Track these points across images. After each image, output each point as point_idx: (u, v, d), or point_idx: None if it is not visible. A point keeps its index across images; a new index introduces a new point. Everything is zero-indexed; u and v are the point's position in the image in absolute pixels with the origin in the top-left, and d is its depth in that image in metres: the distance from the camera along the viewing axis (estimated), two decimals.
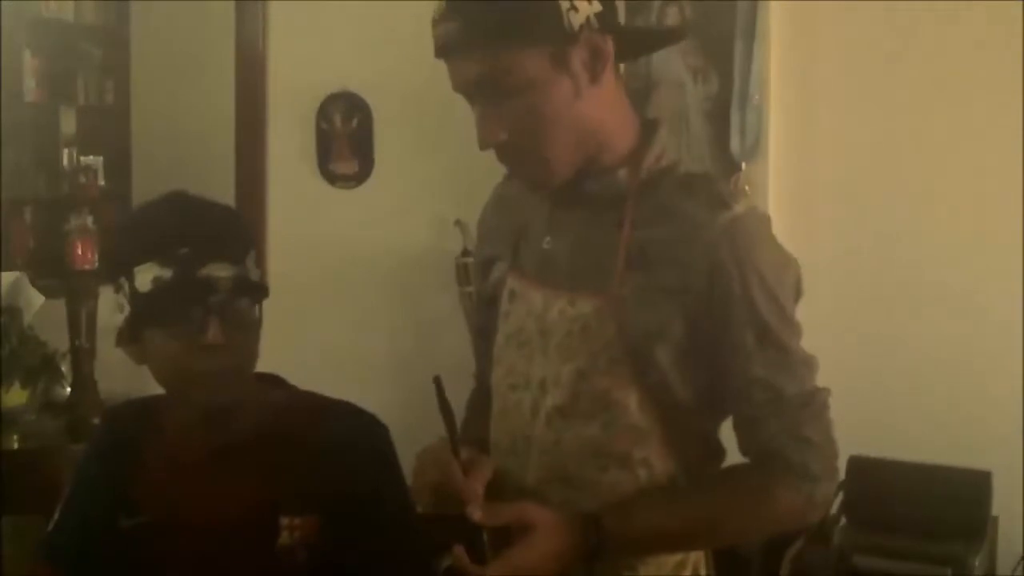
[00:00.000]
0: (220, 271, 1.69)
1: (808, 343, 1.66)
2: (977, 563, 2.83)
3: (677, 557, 1.71)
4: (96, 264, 3.67)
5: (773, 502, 1.64)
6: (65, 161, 5.08)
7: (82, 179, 4.19)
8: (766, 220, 1.66)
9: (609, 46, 1.61)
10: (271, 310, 1.77)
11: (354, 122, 4.00)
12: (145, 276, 1.68)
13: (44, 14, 5.15)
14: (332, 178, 4.04)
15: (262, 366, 1.81)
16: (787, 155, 3.42)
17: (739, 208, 1.61)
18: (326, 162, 4.04)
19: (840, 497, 2.88)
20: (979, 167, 3.23)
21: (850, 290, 3.30)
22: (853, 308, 3.30)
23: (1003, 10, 3.16)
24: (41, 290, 3.79)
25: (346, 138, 4.01)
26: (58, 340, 3.68)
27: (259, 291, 1.75)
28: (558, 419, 1.67)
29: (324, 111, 4.01)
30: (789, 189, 3.40)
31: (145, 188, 4.52)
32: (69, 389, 3.70)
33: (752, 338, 1.60)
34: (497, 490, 1.64)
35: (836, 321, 3.04)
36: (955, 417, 3.20)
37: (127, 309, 1.72)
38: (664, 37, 2.37)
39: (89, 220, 3.78)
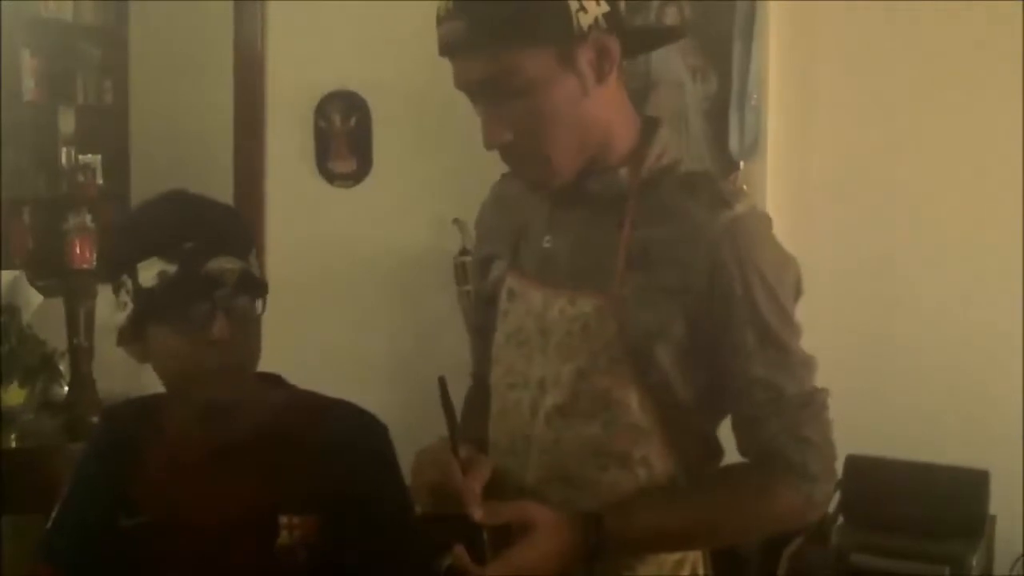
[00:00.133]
0: (226, 264, 1.69)
1: (805, 342, 1.66)
2: (975, 562, 2.84)
3: (676, 556, 1.71)
4: (94, 263, 3.67)
5: (773, 502, 1.65)
6: (64, 160, 5.07)
7: (80, 178, 4.18)
8: (767, 220, 1.66)
9: (617, 47, 1.60)
10: (269, 309, 1.77)
11: (352, 121, 4.00)
12: (149, 272, 1.68)
13: (43, 14, 5.15)
14: (331, 177, 4.04)
15: (260, 365, 1.81)
16: (785, 155, 3.42)
17: (740, 207, 1.61)
18: (324, 161, 4.04)
19: (838, 496, 2.88)
20: (978, 166, 3.24)
21: (847, 289, 3.30)
22: (850, 307, 3.31)
23: (1003, 10, 3.16)
24: (39, 289, 3.78)
25: (344, 137, 4.01)
26: (56, 339, 3.68)
27: (261, 287, 1.75)
28: (558, 418, 1.67)
29: (322, 110, 4.01)
30: (787, 188, 3.40)
31: (144, 187, 4.52)
32: (67, 388, 3.70)
33: (753, 338, 1.60)
34: (497, 490, 1.63)
35: (833, 320, 3.04)
36: (953, 416, 3.20)
37: (129, 307, 1.71)
38: (664, 36, 2.36)
39: (88, 219, 3.77)
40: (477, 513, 1.56)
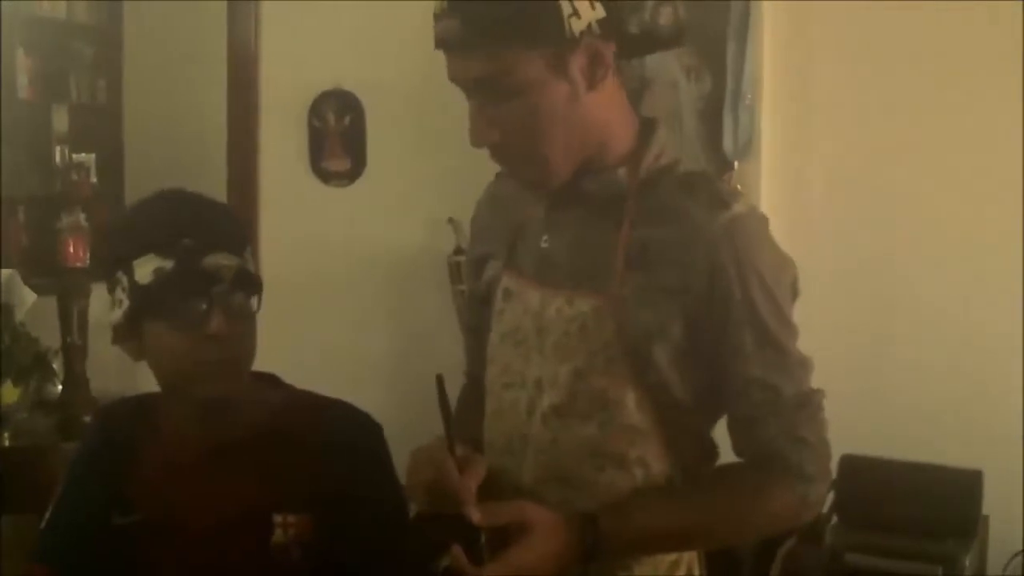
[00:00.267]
0: (222, 260, 1.69)
1: (800, 341, 1.67)
2: (968, 562, 2.84)
3: (671, 557, 1.71)
4: (88, 262, 3.67)
5: (769, 502, 1.65)
6: (57, 159, 5.06)
7: (74, 177, 4.17)
8: (765, 221, 1.66)
9: (611, 53, 1.60)
10: (263, 307, 1.77)
11: (347, 120, 3.99)
12: (145, 268, 1.68)
13: (37, 13, 5.13)
14: (325, 176, 4.03)
15: (255, 364, 1.80)
16: (779, 155, 3.42)
17: (738, 208, 1.61)
18: (319, 160, 4.03)
19: (832, 496, 2.89)
20: (977, 166, 3.23)
21: (842, 289, 3.30)
22: (845, 307, 3.30)
23: (1003, 10, 3.15)
24: (33, 288, 3.78)
25: (339, 136, 4.00)
26: (50, 338, 3.67)
27: (257, 284, 1.75)
28: (554, 418, 1.67)
29: (317, 109, 4.01)
30: (781, 189, 3.40)
31: (138, 186, 4.50)
32: (61, 387, 3.69)
33: (751, 338, 1.60)
34: (493, 489, 1.63)
35: (827, 320, 3.04)
36: (946, 416, 3.20)
37: (125, 304, 1.71)
38: (663, 43, 2.36)
39: (81, 218, 3.76)
40: (475, 515, 1.56)
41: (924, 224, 3.29)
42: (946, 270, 3.26)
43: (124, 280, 1.71)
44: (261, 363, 1.81)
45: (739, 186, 3.29)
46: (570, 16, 1.54)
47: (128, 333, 1.74)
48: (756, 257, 1.60)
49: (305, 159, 4.03)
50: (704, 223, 1.59)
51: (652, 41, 2.34)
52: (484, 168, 1.80)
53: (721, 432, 1.72)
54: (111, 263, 1.75)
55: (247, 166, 4.08)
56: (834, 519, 3.00)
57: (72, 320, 3.62)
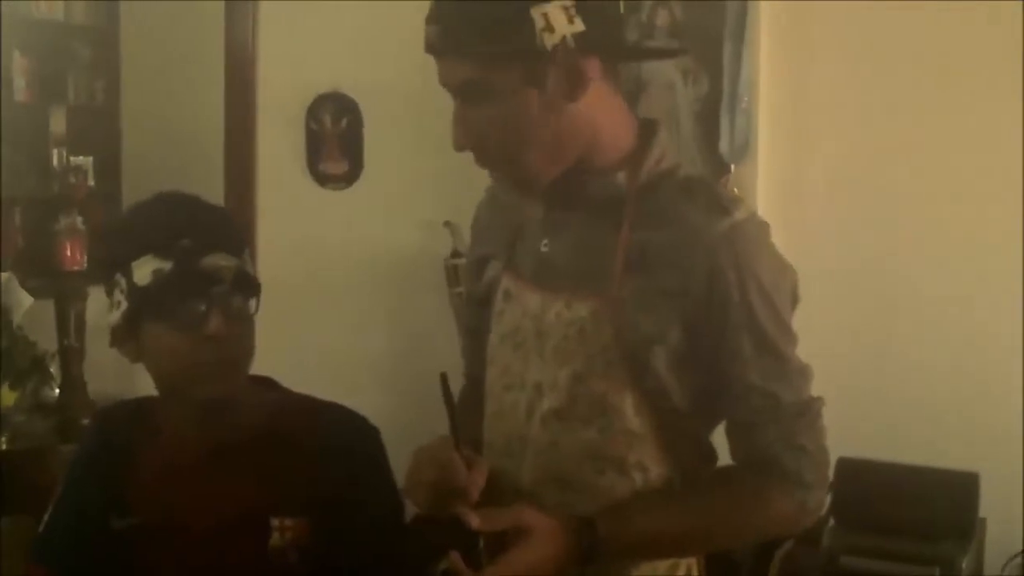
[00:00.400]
0: (221, 261, 1.69)
1: (798, 343, 1.67)
2: (965, 564, 2.84)
3: (669, 560, 1.71)
4: (85, 265, 3.67)
5: (767, 508, 1.65)
6: (55, 162, 5.06)
7: (72, 179, 4.18)
8: (765, 227, 1.66)
9: (591, 67, 1.58)
10: (261, 310, 1.77)
11: (344, 123, 4.00)
12: (144, 270, 1.68)
13: (34, 14, 5.13)
14: (322, 179, 4.04)
15: (252, 367, 1.80)
16: (776, 157, 3.43)
17: (739, 214, 1.61)
18: (316, 163, 4.04)
19: (829, 499, 2.89)
20: (976, 166, 3.23)
21: (839, 292, 3.30)
22: (842, 310, 3.31)
23: (1003, 10, 3.15)
24: (30, 291, 3.78)
25: (336, 139, 4.01)
26: (47, 341, 3.67)
27: (256, 286, 1.75)
28: (554, 422, 1.66)
29: (314, 112, 4.01)
30: (777, 191, 3.41)
31: (135, 188, 4.51)
32: (58, 390, 3.70)
33: (750, 344, 1.60)
34: (493, 491, 1.63)
35: (825, 323, 3.04)
36: (946, 417, 3.21)
37: (124, 305, 1.71)
38: (659, 55, 2.35)
39: (78, 221, 3.77)
40: (474, 521, 1.55)
41: (924, 225, 3.29)
42: (946, 271, 3.26)
43: (122, 282, 1.71)
44: (259, 365, 1.81)
45: (736, 189, 3.30)
46: (543, 30, 1.53)
47: (126, 335, 1.74)
48: (755, 262, 1.60)
49: (302, 161, 4.04)
50: (704, 228, 1.59)
51: (646, 53, 2.33)
52: (481, 171, 1.79)
53: (720, 436, 1.72)
54: (109, 265, 1.74)
55: (245, 168, 4.09)
56: (831, 522, 3.00)
57: (69, 323, 3.62)
